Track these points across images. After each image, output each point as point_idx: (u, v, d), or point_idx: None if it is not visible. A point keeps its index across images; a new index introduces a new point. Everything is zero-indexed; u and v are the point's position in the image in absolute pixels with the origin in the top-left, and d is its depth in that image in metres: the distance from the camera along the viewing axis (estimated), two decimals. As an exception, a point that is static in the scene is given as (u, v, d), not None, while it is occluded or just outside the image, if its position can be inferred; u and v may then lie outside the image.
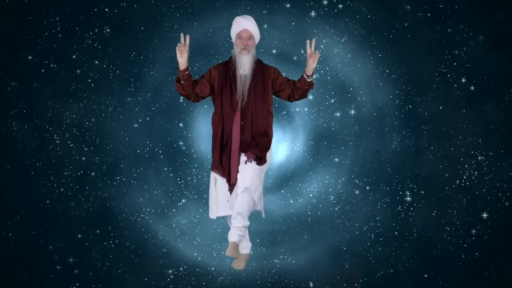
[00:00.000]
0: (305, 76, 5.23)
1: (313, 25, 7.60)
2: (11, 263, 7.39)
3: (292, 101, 5.42)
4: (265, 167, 5.28)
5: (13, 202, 7.47)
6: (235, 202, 5.16)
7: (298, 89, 5.29)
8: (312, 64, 5.18)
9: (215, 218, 5.38)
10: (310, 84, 5.26)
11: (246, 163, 5.14)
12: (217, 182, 5.29)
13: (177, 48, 5.13)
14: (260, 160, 5.17)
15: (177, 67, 5.18)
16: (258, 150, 5.15)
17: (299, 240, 7.71)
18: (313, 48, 5.18)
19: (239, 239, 5.16)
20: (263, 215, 5.45)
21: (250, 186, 5.07)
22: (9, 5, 7.46)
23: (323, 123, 7.75)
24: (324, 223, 7.69)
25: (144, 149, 7.69)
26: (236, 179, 5.17)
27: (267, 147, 5.25)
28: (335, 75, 7.70)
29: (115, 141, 7.66)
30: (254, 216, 5.39)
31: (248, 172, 5.11)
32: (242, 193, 5.09)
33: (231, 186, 5.22)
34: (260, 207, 5.36)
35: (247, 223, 5.15)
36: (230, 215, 5.21)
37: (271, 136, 5.30)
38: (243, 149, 5.18)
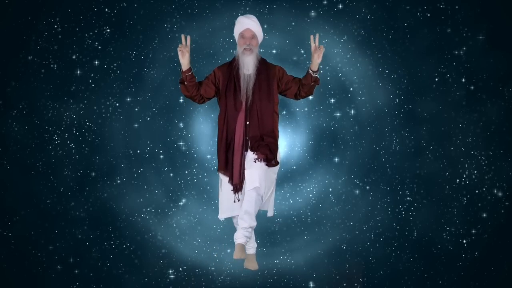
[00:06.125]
0: (310, 72, 5.17)
1: (313, 25, 7.59)
2: (11, 263, 7.39)
3: (298, 99, 5.34)
4: (276, 168, 5.24)
5: (13, 202, 7.47)
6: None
7: (304, 86, 5.22)
8: (317, 59, 5.13)
9: (222, 219, 5.32)
10: (316, 80, 5.21)
11: (255, 161, 5.09)
12: (223, 183, 5.25)
13: (178, 49, 5.11)
14: (269, 161, 5.12)
15: (180, 68, 5.17)
16: (269, 152, 5.11)
17: (299, 240, 7.71)
18: (317, 43, 5.15)
19: (246, 241, 5.08)
20: (271, 214, 5.36)
21: (259, 186, 5.01)
22: (9, 5, 7.46)
23: (323, 123, 7.75)
24: (324, 223, 7.69)
25: (144, 149, 7.69)
26: (239, 180, 5.12)
27: (276, 149, 5.20)
28: (335, 75, 7.70)
29: (115, 141, 7.65)
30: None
31: (256, 171, 5.04)
32: (250, 192, 5.02)
33: (234, 186, 5.17)
34: (267, 206, 5.30)
35: (254, 223, 5.07)
36: (236, 216, 5.17)
37: (277, 136, 5.25)
38: (251, 147, 5.13)
